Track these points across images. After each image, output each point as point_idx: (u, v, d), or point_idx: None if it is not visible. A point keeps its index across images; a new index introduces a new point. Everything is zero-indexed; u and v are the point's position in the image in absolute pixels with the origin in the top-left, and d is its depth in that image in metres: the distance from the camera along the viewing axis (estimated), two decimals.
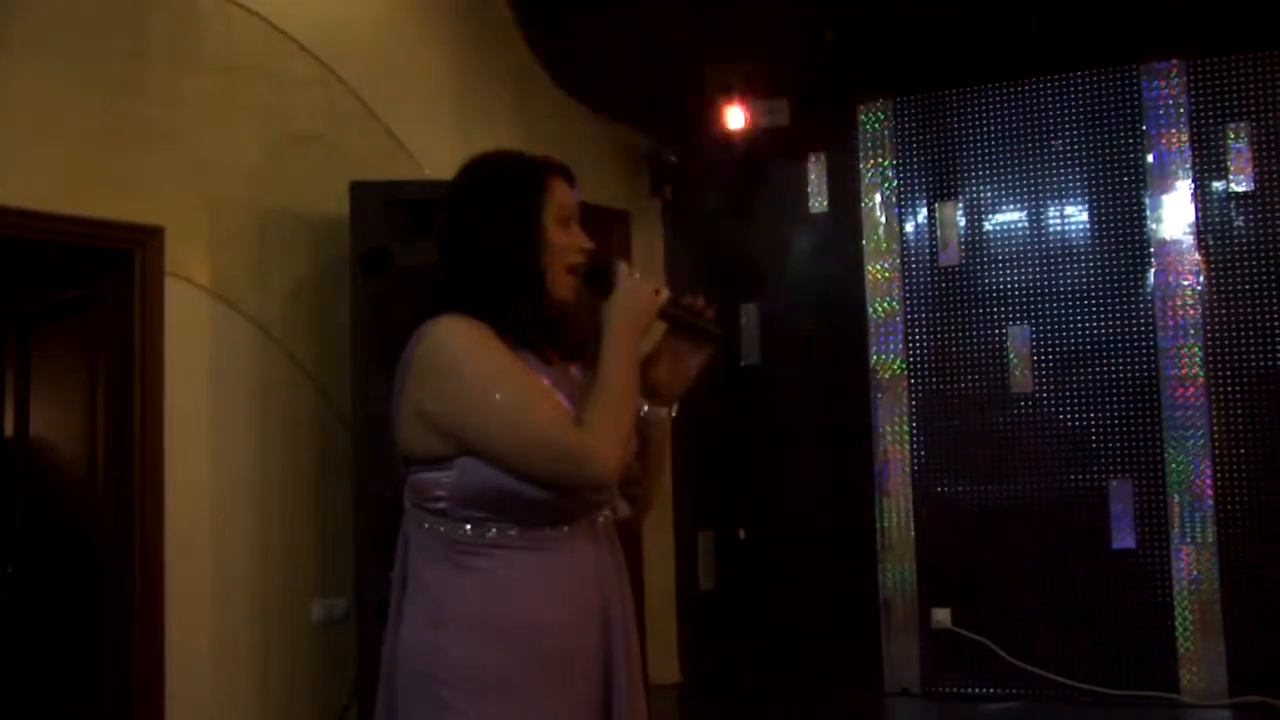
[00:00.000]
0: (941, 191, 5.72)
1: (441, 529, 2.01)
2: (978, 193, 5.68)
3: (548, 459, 1.94)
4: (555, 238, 2.07)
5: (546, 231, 2.07)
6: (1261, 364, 5.19)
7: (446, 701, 1.96)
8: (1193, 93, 5.35)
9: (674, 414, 2.22)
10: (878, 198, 5.79)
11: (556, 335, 2.11)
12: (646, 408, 2.16)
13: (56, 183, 4.05)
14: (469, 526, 1.99)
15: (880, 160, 5.80)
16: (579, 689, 1.99)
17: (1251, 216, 5.27)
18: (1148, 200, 5.39)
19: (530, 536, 1.99)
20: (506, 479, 1.95)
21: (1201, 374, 5.24)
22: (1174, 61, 5.36)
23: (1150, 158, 5.39)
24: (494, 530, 1.99)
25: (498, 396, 1.96)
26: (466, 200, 2.11)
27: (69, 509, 4.60)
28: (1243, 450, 5.19)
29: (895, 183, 5.78)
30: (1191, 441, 5.22)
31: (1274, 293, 5.18)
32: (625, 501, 2.16)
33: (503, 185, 2.10)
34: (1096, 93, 5.49)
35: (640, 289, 2.07)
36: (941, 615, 5.51)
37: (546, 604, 1.98)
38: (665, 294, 2.10)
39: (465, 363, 1.98)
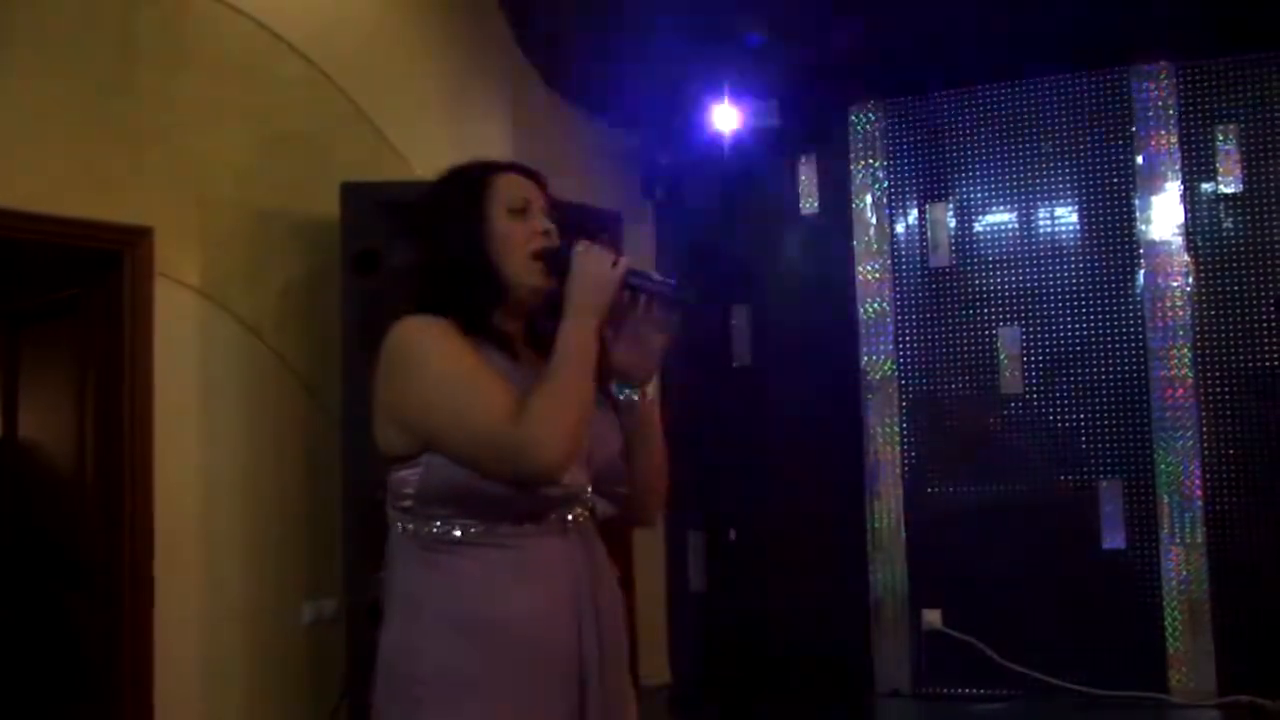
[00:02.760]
0: (932, 193, 5.73)
1: (410, 527, 2.03)
2: (968, 194, 5.69)
3: (488, 454, 1.94)
4: (504, 228, 2.09)
5: (490, 223, 2.09)
6: (1250, 365, 5.20)
7: (419, 698, 1.98)
8: (1182, 94, 5.36)
9: (648, 396, 2.16)
10: (868, 199, 5.80)
11: (540, 330, 2.11)
12: (624, 394, 2.14)
13: (45, 183, 4.03)
14: (436, 524, 2.01)
15: (871, 161, 5.81)
16: (551, 686, 1.99)
17: (1240, 218, 5.29)
18: (1137, 201, 5.41)
19: (496, 533, 1.99)
20: (468, 475, 1.96)
21: (1191, 375, 5.25)
22: (1163, 63, 5.37)
23: (1139, 159, 5.41)
24: (459, 527, 2.00)
25: (445, 391, 1.97)
26: (422, 209, 2.18)
27: (57, 510, 4.58)
28: (1232, 451, 5.21)
29: (886, 184, 5.79)
30: (1181, 442, 5.24)
31: (1263, 294, 5.20)
32: (607, 500, 2.14)
33: (448, 188, 2.16)
34: (1086, 94, 5.51)
35: (597, 261, 2.04)
36: (932, 616, 5.52)
37: (514, 600, 1.98)
38: (624, 263, 2.06)
39: (419, 359, 2.00)
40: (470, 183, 2.14)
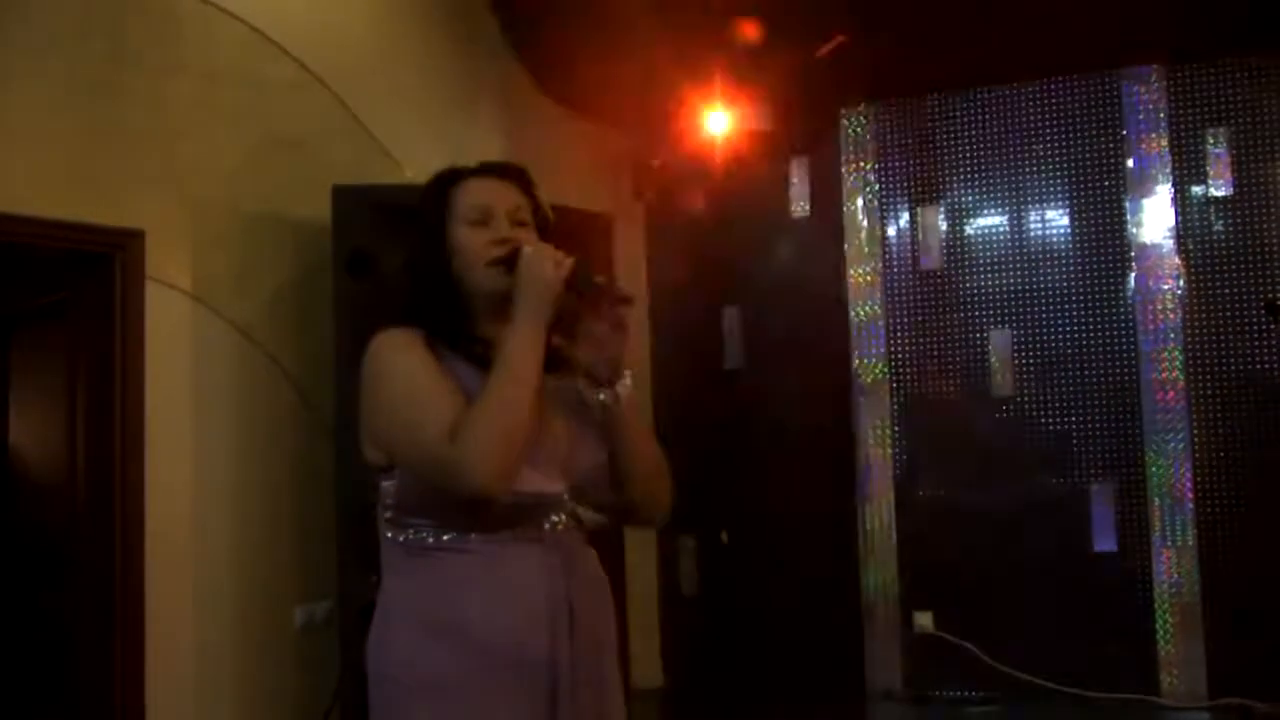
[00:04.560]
0: (923, 196, 5.74)
1: (390, 534, 2.08)
2: (959, 197, 5.70)
3: (431, 472, 1.98)
4: (465, 238, 2.11)
5: (452, 237, 2.12)
6: (1241, 368, 5.22)
7: (392, 697, 2.02)
8: (1172, 98, 5.38)
9: (619, 397, 2.11)
10: (859, 202, 5.81)
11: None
12: (595, 397, 2.13)
13: (36, 186, 4.03)
14: (412, 532, 2.05)
15: (862, 164, 5.81)
16: (518, 690, 2.00)
17: (1230, 221, 5.30)
18: (1128, 205, 5.42)
19: (469, 541, 2.02)
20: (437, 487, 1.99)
21: (1182, 378, 5.26)
22: (1154, 67, 5.39)
23: (1130, 162, 5.42)
24: (433, 534, 2.03)
25: (396, 408, 2.02)
26: (404, 222, 2.22)
27: (48, 514, 4.57)
28: (1222, 454, 5.22)
29: (877, 187, 5.79)
30: (1172, 445, 5.25)
31: (1253, 297, 5.21)
32: (594, 509, 2.13)
33: (421, 201, 2.19)
34: (1077, 98, 5.52)
35: (539, 264, 2.03)
36: (924, 618, 5.52)
37: (481, 605, 2.00)
38: (568, 264, 2.03)
39: (381, 375, 2.04)
40: (434, 197, 2.17)
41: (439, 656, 1.99)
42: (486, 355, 2.07)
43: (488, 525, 2.01)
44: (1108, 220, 5.45)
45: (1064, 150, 5.53)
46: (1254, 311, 5.20)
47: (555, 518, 2.07)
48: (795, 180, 5.98)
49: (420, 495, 2.02)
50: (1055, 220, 5.55)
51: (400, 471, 2.03)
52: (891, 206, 5.78)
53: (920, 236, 5.72)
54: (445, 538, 2.02)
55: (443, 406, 1.97)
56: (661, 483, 2.20)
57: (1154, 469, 5.27)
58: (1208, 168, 5.33)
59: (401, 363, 2.03)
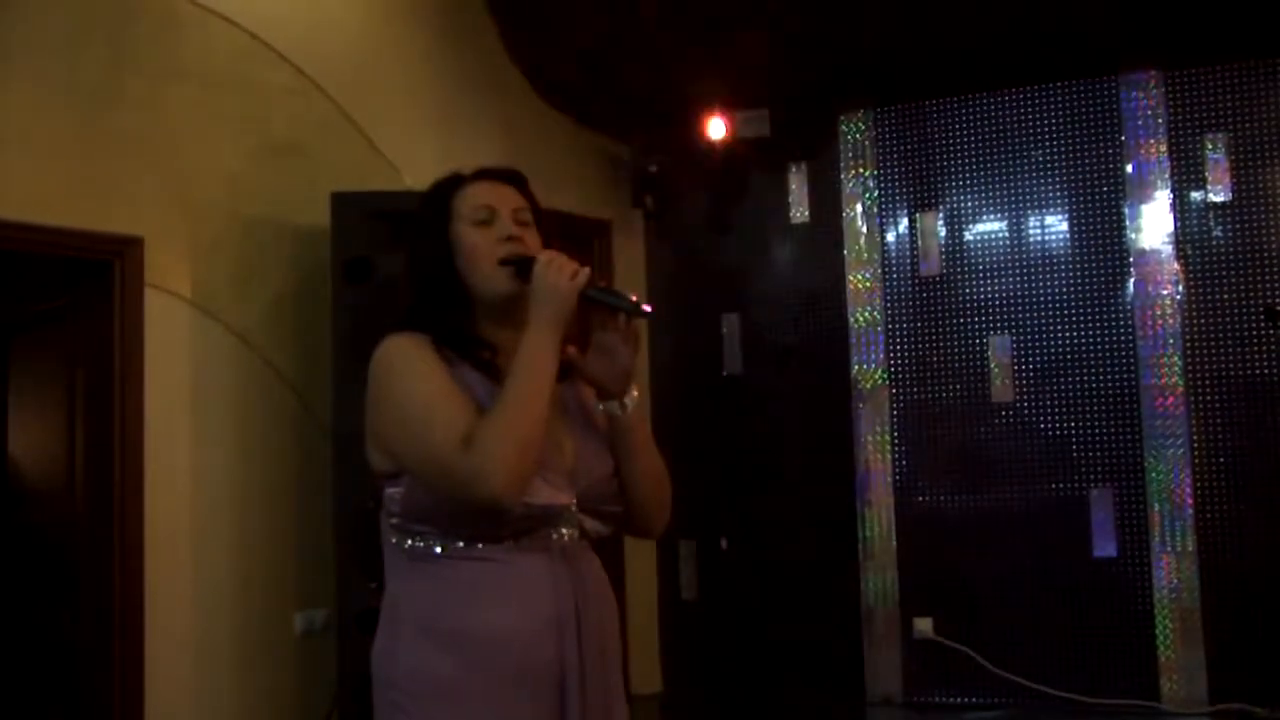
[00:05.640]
0: (922, 201, 5.74)
1: (394, 541, 2.07)
2: (958, 203, 5.70)
3: (441, 481, 1.97)
4: (470, 238, 2.11)
5: (456, 236, 2.12)
6: (1240, 373, 5.22)
7: (398, 704, 2.02)
8: (1171, 103, 5.38)
9: (627, 408, 2.14)
10: (859, 208, 5.81)
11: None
12: (604, 408, 2.14)
13: (34, 192, 4.03)
14: (419, 539, 2.04)
15: (861, 170, 5.81)
16: (524, 698, 2.00)
17: (1229, 226, 5.30)
18: (1127, 210, 5.42)
19: (477, 549, 2.01)
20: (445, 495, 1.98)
21: (1181, 383, 5.26)
22: (1152, 72, 5.39)
23: (1129, 168, 5.42)
24: (440, 543, 2.02)
25: (405, 415, 2.00)
26: (404, 228, 2.22)
27: (48, 520, 4.57)
28: (1222, 459, 5.22)
29: (876, 193, 5.79)
30: (1171, 451, 5.25)
31: (1252, 302, 5.21)
32: (599, 519, 2.13)
33: (422, 205, 2.19)
34: (1076, 103, 5.52)
35: (556, 273, 2.03)
36: (923, 624, 5.52)
37: (488, 613, 2.00)
38: (584, 274, 2.05)
39: (389, 380, 2.03)
40: (437, 199, 2.17)
41: (445, 664, 1.99)
42: (494, 362, 2.07)
43: (495, 535, 2.01)
44: (1106, 225, 5.46)
45: (1063, 155, 5.53)
46: (1253, 317, 5.20)
47: (563, 529, 2.06)
48: (794, 186, 5.98)
49: (427, 503, 2.00)
50: (1054, 226, 5.55)
51: (407, 478, 2.02)
52: (891, 212, 5.78)
53: (919, 242, 5.72)
54: (452, 546, 2.01)
55: (455, 413, 1.97)
56: (664, 494, 2.21)
57: (1153, 474, 5.27)
58: (1206, 173, 5.33)
59: (411, 367, 2.02)
